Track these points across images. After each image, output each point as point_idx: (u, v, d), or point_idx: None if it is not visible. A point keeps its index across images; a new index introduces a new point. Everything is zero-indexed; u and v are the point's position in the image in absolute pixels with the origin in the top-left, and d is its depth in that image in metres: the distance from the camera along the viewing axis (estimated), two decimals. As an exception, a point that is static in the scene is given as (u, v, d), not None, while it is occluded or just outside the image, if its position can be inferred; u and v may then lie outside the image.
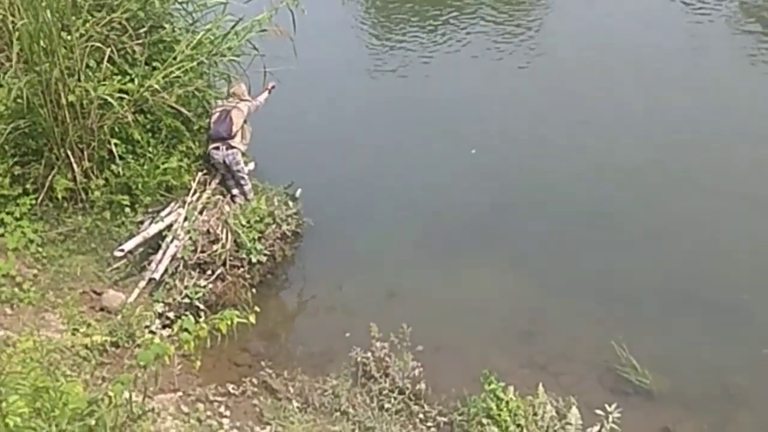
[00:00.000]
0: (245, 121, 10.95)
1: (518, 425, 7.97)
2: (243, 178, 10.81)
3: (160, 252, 10.08)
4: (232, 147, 10.68)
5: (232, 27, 11.04)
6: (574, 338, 9.54)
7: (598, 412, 7.88)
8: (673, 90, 13.83)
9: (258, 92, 11.38)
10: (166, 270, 9.93)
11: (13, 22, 9.60)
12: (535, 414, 8.12)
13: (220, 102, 11.04)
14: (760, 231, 10.86)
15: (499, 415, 8.00)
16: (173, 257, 10.01)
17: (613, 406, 7.81)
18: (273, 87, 11.36)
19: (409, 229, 11.30)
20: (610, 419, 7.76)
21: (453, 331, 9.63)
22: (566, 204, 11.56)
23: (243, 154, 10.92)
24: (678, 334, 9.52)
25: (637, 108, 13.42)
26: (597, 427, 7.84)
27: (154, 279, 9.84)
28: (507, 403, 8.07)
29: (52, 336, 8.17)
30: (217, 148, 10.70)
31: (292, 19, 11.07)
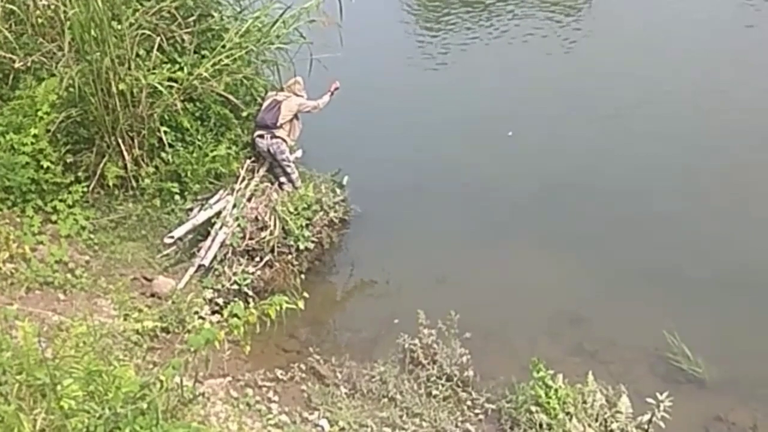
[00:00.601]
0: (296, 117, 10.95)
1: (567, 413, 7.93)
2: (289, 166, 10.84)
3: (209, 239, 10.16)
4: (277, 136, 10.70)
5: (281, 15, 11.07)
6: (625, 326, 9.41)
7: (649, 400, 7.79)
8: (726, 73, 13.59)
9: (317, 92, 11.31)
10: (215, 257, 10.02)
11: (65, 12, 9.74)
12: (584, 402, 8.07)
13: (273, 93, 11.04)
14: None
15: (548, 402, 7.97)
16: (222, 244, 10.08)
17: (664, 394, 7.72)
18: (337, 88, 11.24)
19: (456, 215, 11.27)
20: (662, 408, 7.68)
21: (501, 318, 9.59)
22: (616, 189, 11.47)
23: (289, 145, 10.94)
24: (731, 322, 9.37)
25: (688, 94, 13.24)
26: (648, 416, 7.77)
27: (204, 265, 9.93)
28: (556, 390, 8.03)
29: (104, 321, 8.27)
30: (261, 136, 10.74)
31: (339, 7, 11.06)
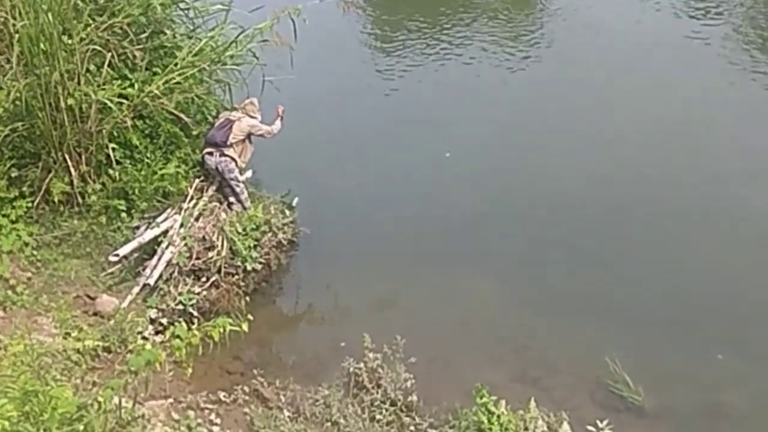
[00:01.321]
0: (249, 139, 10.93)
1: (509, 439, 7.97)
2: (238, 185, 10.78)
3: (155, 257, 10.07)
4: (226, 155, 10.66)
5: (236, 36, 11.06)
6: (567, 353, 9.51)
7: (590, 428, 7.88)
8: (674, 100, 13.90)
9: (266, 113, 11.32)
10: (160, 276, 9.92)
11: (14, 24, 9.63)
12: (526, 429, 8.12)
13: (226, 112, 11.01)
14: (755, 248, 10.88)
15: (491, 429, 8.00)
16: (168, 263, 10.00)
17: (605, 422, 7.81)
18: (283, 111, 11.27)
19: (404, 240, 11.29)
20: (602, 435, 7.76)
21: (446, 343, 9.63)
22: (561, 218, 11.57)
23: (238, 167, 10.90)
24: (671, 351, 9.51)
25: (634, 120, 13.45)
26: (588, 443, 7.84)
27: (149, 284, 9.83)
28: (498, 417, 8.06)
29: (44, 340, 8.14)
30: (210, 154, 10.70)
31: (293, 29, 11.10)
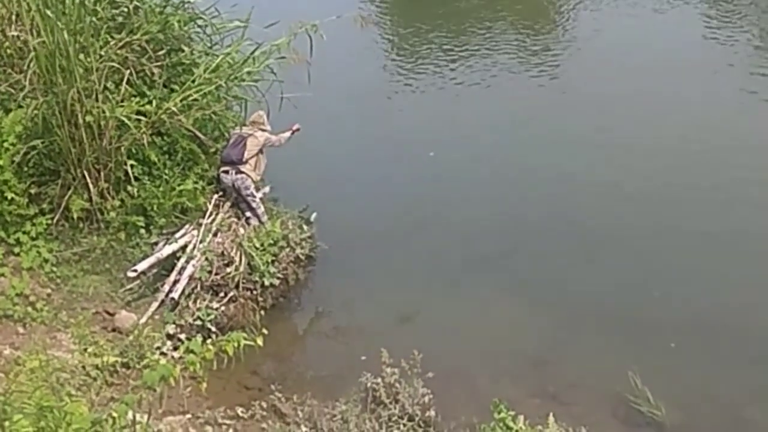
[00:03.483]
0: (261, 152, 10.94)
1: (528, 455, 7.88)
2: (254, 201, 10.80)
3: (175, 272, 10.10)
4: (242, 172, 10.69)
5: (252, 52, 11.11)
6: (587, 368, 9.43)
7: (609, 443, 7.80)
8: (690, 117, 13.80)
9: (283, 129, 11.33)
10: (183, 290, 9.95)
11: (32, 42, 9.72)
12: (545, 444, 8.03)
13: (238, 128, 11.04)
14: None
15: (509, 444, 7.92)
16: (191, 277, 10.02)
17: (625, 438, 7.72)
18: (297, 129, 11.28)
19: (422, 254, 11.27)
20: (621, 451, 7.67)
21: (464, 358, 9.57)
22: (580, 232, 11.51)
23: (255, 181, 10.91)
24: (692, 366, 9.41)
25: (655, 136, 13.35)
26: (607, 459, 7.75)
27: (174, 298, 9.87)
28: (517, 432, 7.98)
29: (62, 356, 8.17)
30: (226, 172, 10.72)
31: (310, 45, 11.13)
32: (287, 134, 11.22)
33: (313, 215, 11.29)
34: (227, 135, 11.13)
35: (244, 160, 10.65)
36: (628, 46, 16.12)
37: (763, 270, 10.66)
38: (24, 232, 10.01)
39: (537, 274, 10.89)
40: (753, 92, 14.65)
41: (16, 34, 10.25)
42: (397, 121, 14.57)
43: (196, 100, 10.62)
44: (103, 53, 10.03)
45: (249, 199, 10.78)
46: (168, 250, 10.25)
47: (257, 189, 10.99)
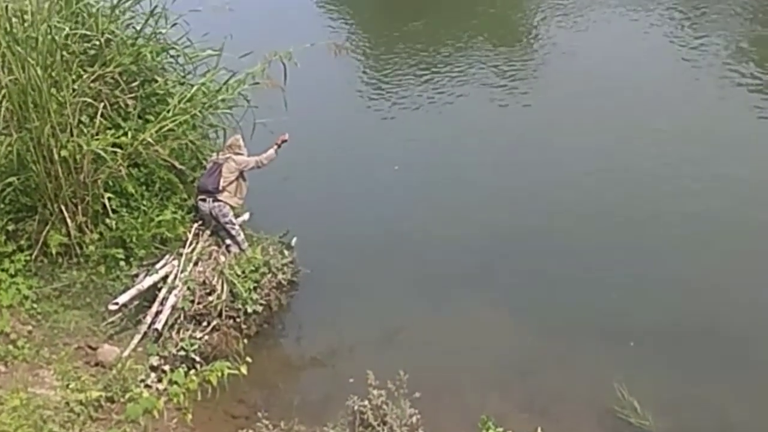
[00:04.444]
0: (242, 176, 10.90)
1: (517, 471, 7.87)
2: (233, 228, 10.77)
3: (157, 303, 10.05)
4: (219, 200, 10.66)
5: (227, 80, 11.11)
6: (574, 380, 9.45)
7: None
8: (672, 128, 13.91)
9: (259, 153, 11.23)
10: (166, 321, 9.89)
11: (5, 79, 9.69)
12: (534, 459, 8.01)
13: (214, 155, 11.01)
14: (759, 270, 10.86)
15: (498, 460, 7.89)
16: (173, 307, 9.96)
17: (614, 449, 7.72)
18: (284, 141, 11.08)
19: (404, 273, 11.29)
20: (611, 462, 7.67)
21: (450, 375, 9.57)
22: (563, 244, 11.56)
23: (233, 207, 10.88)
24: (678, 374, 9.45)
25: (641, 148, 13.51)
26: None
27: (157, 330, 9.80)
28: (506, 448, 7.96)
29: (44, 393, 8.10)
30: (203, 200, 10.68)
31: (284, 72, 11.14)
32: (271, 151, 11.02)
33: (294, 240, 11.28)
34: (205, 163, 11.11)
35: (220, 188, 10.62)
36: (603, 62, 16.27)
37: (746, 277, 10.74)
38: (2, 270, 9.96)
39: (519, 288, 10.93)
40: (725, 99, 14.88)
41: (-13, 70, 10.21)
42: (374, 143, 14.65)
43: (171, 129, 10.60)
44: (76, 87, 10.02)
45: (228, 226, 10.75)
46: (149, 281, 10.20)
47: (236, 216, 10.95)
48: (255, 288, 10.38)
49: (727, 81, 15.51)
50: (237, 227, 10.82)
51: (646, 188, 12.55)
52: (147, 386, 9.02)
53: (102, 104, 10.30)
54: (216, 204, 10.63)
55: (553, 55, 17.27)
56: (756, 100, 14.90)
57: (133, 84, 10.74)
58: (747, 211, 11.80)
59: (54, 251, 10.08)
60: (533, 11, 19.60)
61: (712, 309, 10.28)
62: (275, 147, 11.08)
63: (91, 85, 10.28)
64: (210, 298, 10.16)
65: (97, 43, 10.62)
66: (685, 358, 9.61)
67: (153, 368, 9.44)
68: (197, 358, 9.62)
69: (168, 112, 10.59)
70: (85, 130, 10.06)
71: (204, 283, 10.30)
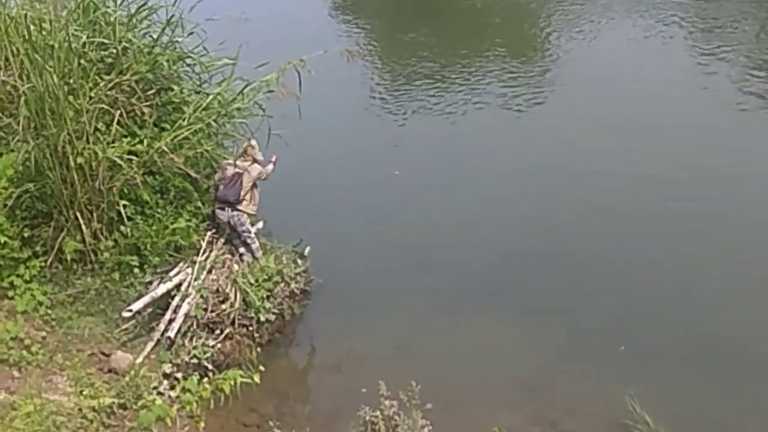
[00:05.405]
0: (255, 185, 10.95)
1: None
2: (249, 237, 10.81)
3: (170, 310, 10.08)
4: (238, 209, 10.71)
5: (242, 90, 11.15)
6: (585, 393, 9.43)
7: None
8: (681, 139, 13.91)
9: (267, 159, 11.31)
10: (179, 329, 9.92)
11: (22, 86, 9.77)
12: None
13: (232, 161, 11.01)
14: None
15: (509, 473, 7.89)
16: (186, 315, 10.00)
17: (625, 463, 7.69)
18: (276, 159, 11.21)
19: (417, 284, 11.27)
20: (622, 476, 7.64)
21: (462, 387, 9.57)
22: (574, 258, 11.54)
23: (250, 215, 10.92)
24: (691, 388, 9.42)
25: (644, 159, 13.49)
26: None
27: (170, 338, 9.83)
28: (516, 460, 7.96)
29: (58, 399, 8.13)
30: (222, 209, 10.72)
31: (298, 80, 11.19)
32: (270, 166, 11.16)
33: (307, 249, 11.29)
34: (221, 168, 11.07)
35: (240, 199, 10.67)
36: (613, 76, 16.33)
37: (758, 290, 10.70)
38: (18, 276, 10.00)
39: (531, 301, 10.91)
40: (743, 110, 14.86)
41: (4, 78, 10.28)
42: (388, 152, 14.65)
43: (187, 138, 10.64)
44: (93, 95, 10.06)
45: (245, 235, 10.79)
46: (162, 288, 10.23)
47: (252, 224, 10.99)
48: (268, 297, 10.41)
49: (739, 88, 15.53)
50: (253, 236, 10.86)
51: (659, 204, 12.50)
52: (160, 393, 9.02)
53: (118, 112, 10.34)
54: (235, 213, 10.67)
55: (564, 64, 17.40)
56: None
57: (150, 92, 10.78)
58: (763, 222, 11.77)
59: (69, 258, 10.13)
60: (542, 20, 19.68)
61: (725, 323, 10.24)
62: (272, 164, 11.18)
63: (108, 92, 10.32)
64: (223, 307, 10.19)
65: (114, 51, 10.69)
66: (697, 371, 9.60)
67: (166, 375, 9.45)
68: (210, 366, 9.63)
69: (183, 120, 10.63)
70: (101, 138, 10.09)
71: (217, 291, 10.33)
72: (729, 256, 11.29)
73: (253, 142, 11.06)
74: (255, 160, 10.89)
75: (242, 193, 10.69)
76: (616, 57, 17.28)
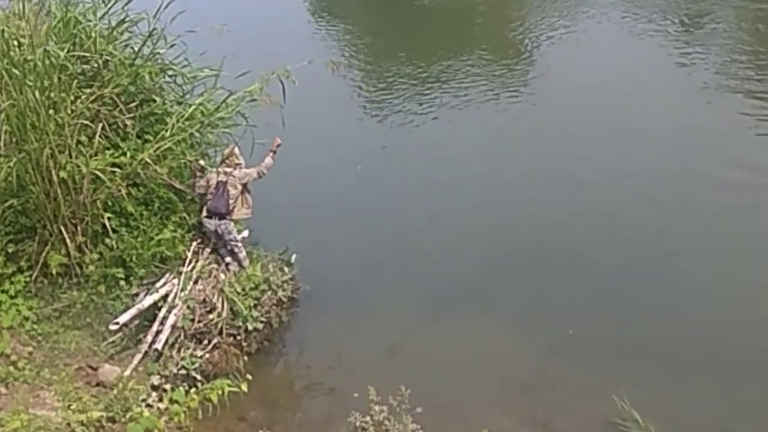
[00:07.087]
0: (246, 188, 10.89)
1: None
2: (237, 245, 10.79)
3: (157, 322, 10.05)
4: (225, 218, 10.68)
5: (225, 99, 11.12)
6: (575, 394, 9.46)
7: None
8: (672, 143, 14.01)
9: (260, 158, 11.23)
10: (166, 340, 9.89)
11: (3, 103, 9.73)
12: (537, 473, 8.01)
13: (213, 170, 10.96)
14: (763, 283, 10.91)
15: (501, 475, 7.89)
16: (173, 327, 9.97)
17: (616, 461, 7.72)
18: (279, 145, 11.05)
19: (404, 287, 11.32)
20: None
21: (452, 389, 9.57)
22: (564, 259, 11.60)
23: (236, 223, 10.89)
24: (680, 386, 9.48)
25: (638, 164, 13.56)
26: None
27: (158, 349, 9.79)
28: (508, 462, 7.97)
29: (45, 414, 8.09)
30: (209, 217, 10.70)
31: (282, 90, 11.18)
32: (269, 159, 11.02)
33: (293, 257, 11.29)
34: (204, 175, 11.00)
35: (231, 208, 10.67)
36: (598, 77, 16.37)
37: (748, 289, 10.79)
38: (2, 291, 9.95)
39: (521, 303, 10.94)
40: (742, 114, 14.98)
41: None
42: (373, 159, 14.65)
43: (170, 149, 10.60)
44: (74, 108, 10.02)
45: (231, 244, 10.77)
46: (149, 300, 10.20)
47: (238, 232, 10.96)
48: (255, 305, 10.40)
49: (723, 88, 15.64)
50: (240, 244, 10.83)
51: (651, 204, 12.57)
52: (148, 406, 8.97)
53: (100, 125, 10.29)
54: (222, 222, 10.65)
55: (550, 66, 17.48)
56: (750, 107, 15.07)
57: (132, 104, 10.72)
58: (753, 222, 11.87)
59: (54, 272, 10.08)
60: (526, 23, 19.75)
61: (713, 321, 10.33)
62: (271, 154, 11.06)
63: (90, 105, 10.28)
64: (210, 316, 10.16)
65: (96, 64, 10.67)
66: (685, 369, 9.66)
67: (154, 387, 9.41)
68: (198, 377, 9.59)
69: (166, 131, 10.58)
70: (84, 151, 10.05)
71: (204, 301, 10.30)
72: (719, 255, 11.40)
73: (235, 149, 10.99)
74: (236, 165, 10.83)
75: (231, 202, 10.67)
76: (605, 58, 17.36)
